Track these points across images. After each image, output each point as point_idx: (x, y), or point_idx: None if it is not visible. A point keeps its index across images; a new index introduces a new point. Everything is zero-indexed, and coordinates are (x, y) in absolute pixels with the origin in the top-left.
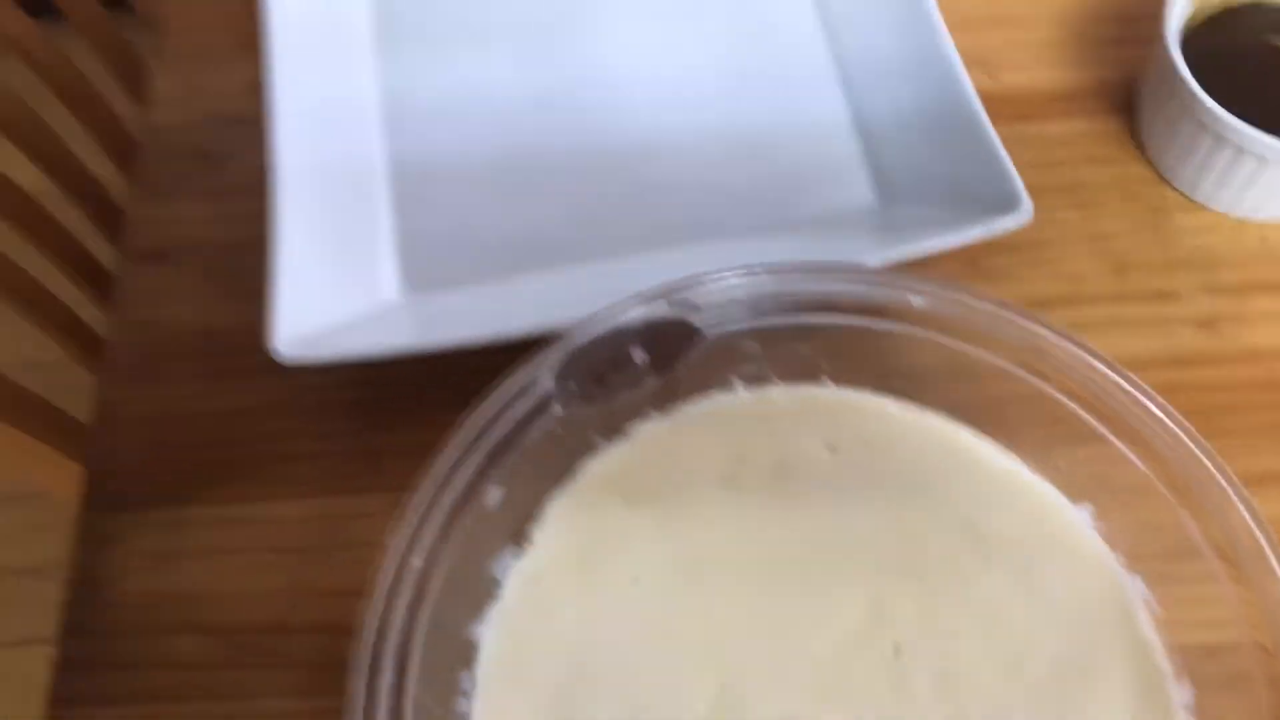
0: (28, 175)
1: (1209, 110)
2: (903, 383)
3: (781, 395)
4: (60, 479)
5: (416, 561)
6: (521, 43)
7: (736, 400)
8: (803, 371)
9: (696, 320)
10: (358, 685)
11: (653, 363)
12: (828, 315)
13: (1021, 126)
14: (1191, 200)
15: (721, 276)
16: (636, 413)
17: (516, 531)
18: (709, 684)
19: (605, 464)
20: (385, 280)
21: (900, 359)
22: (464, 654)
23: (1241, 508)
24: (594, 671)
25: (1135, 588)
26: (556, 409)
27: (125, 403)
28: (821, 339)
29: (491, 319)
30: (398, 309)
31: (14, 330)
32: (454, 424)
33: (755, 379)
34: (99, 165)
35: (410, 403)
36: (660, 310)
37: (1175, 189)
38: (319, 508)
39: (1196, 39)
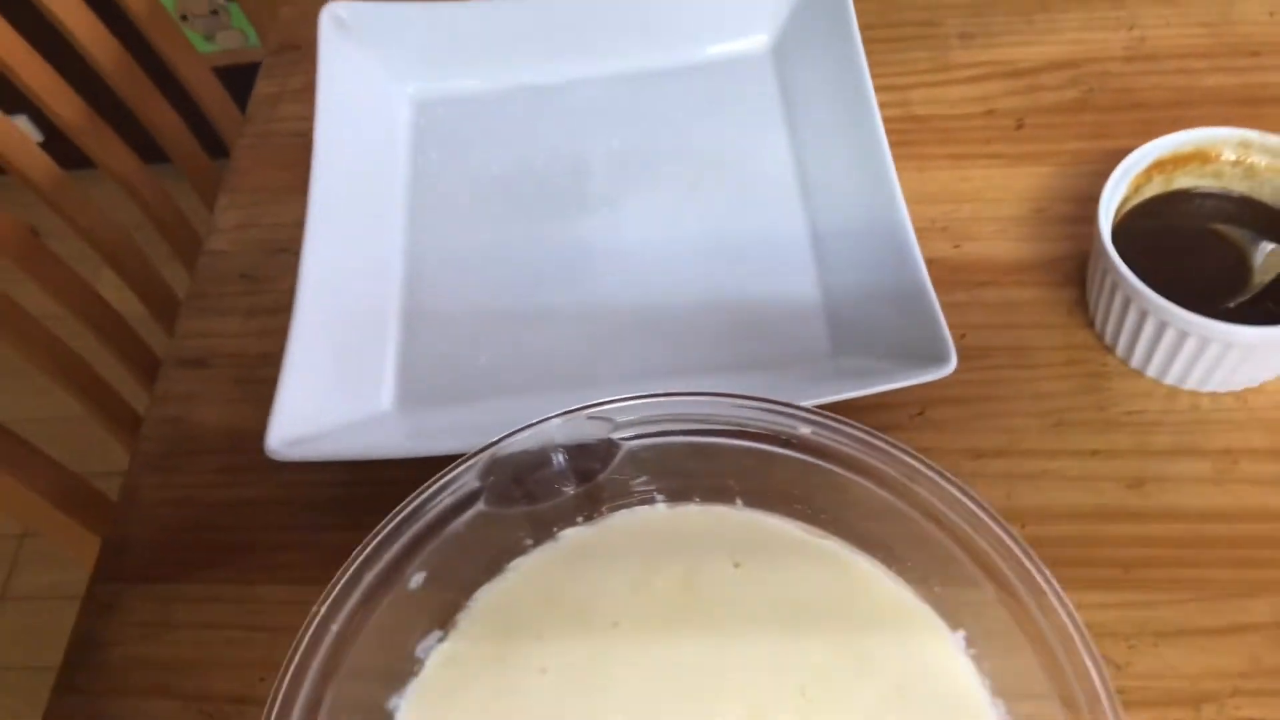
0: (115, 292)
1: (1134, 287)
2: (804, 508)
3: (696, 512)
4: (87, 552)
5: (334, 627)
6: (533, 208)
7: (655, 514)
8: (718, 492)
9: (616, 436)
10: None
11: (576, 473)
12: (742, 440)
13: (980, 291)
14: (1130, 367)
15: (638, 397)
16: (565, 520)
17: (444, 618)
18: None
19: (532, 563)
20: (381, 395)
21: (804, 487)
22: None
23: (1087, 658)
24: None
25: (998, 715)
26: (481, 505)
27: (146, 488)
28: (735, 464)
29: (462, 432)
30: (388, 421)
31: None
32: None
33: (675, 495)
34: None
35: (394, 503)
36: (580, 423)
37: (1116, 356)
38: (298, 593)
39: (1134, 220)
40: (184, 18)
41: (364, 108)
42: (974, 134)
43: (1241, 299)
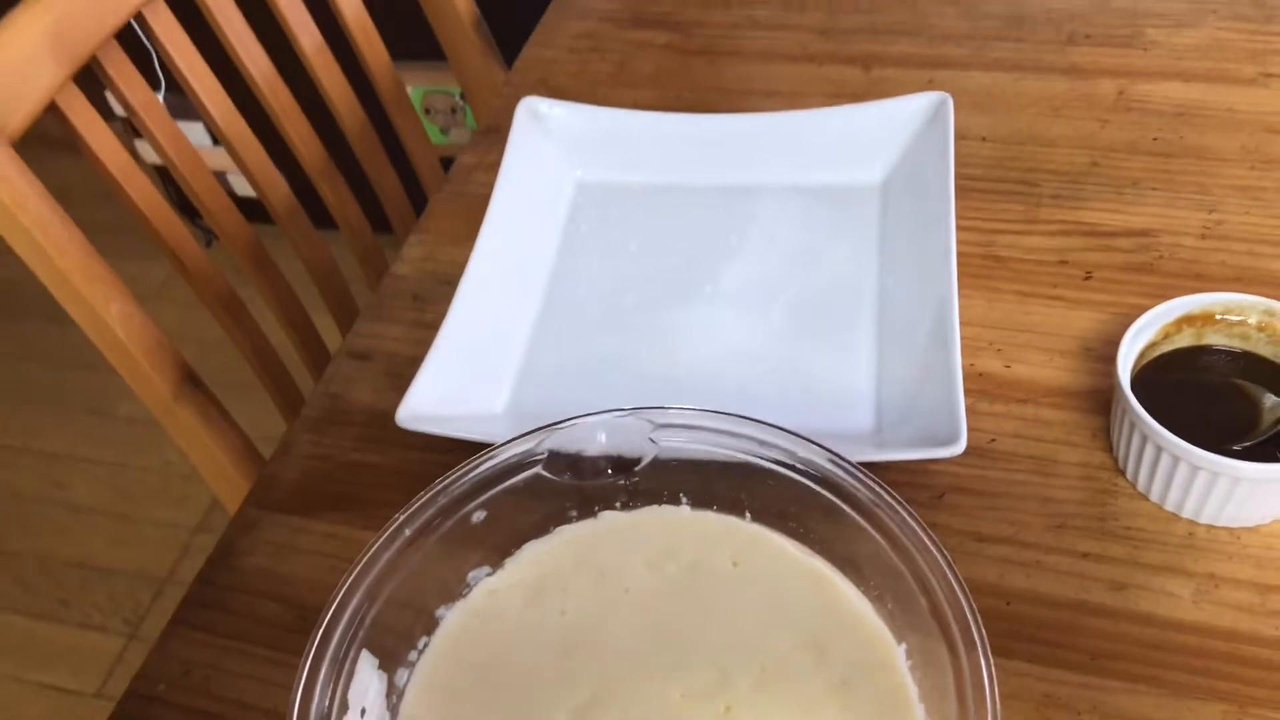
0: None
1: (1144, 420)
2: (799, 527)
3: (713, 518)
4: (232, 494)
5: (407, 532)
6: (653, 281)
7: (679, 513)
8: (732, 504)
9: (655, 437)
10: (322, 618)
11: (619, 464)
12: (760, 461)
13: (1018, 407)
14: (1139, 492)
15: (678, 408)
16: (606, 502)
17: (495, 558)
18: (583, 692)
19: (573, 532)
20: (496, 402)
21: (803, 511)
22: (427, 625)
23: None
24: (507, 670)
25: (921, 716)
26: (540, 469)
27: (300, 443)
28: (747, 482)
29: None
30: (496, 421)
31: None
32: None
33: (697, 500)
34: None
35: None
36: (627, 421)
37: (1128, 480)
38: None
39: (1162, 364)
40: (427, 111)
41: (536, 181)
42: (1045, 278)
43: (1247, 443)
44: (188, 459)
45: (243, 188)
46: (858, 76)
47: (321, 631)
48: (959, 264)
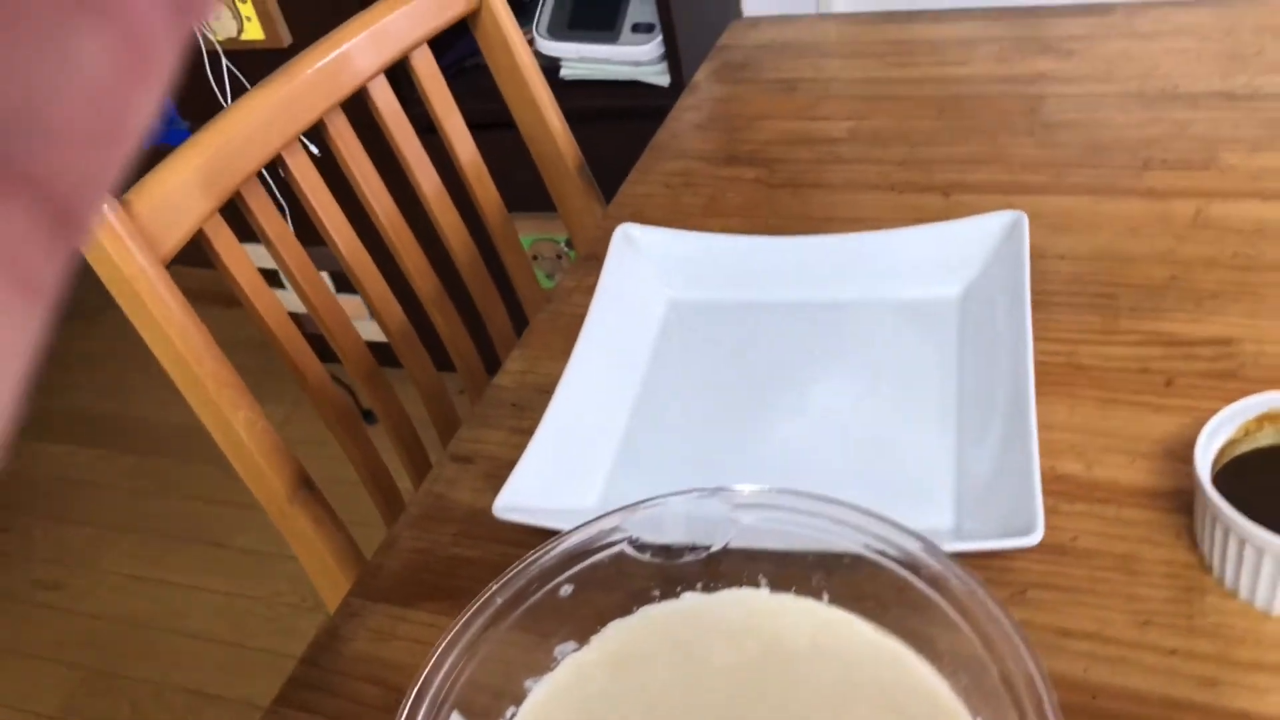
0: (426, 431)
1: (1228, 515)
2: (875, 605)
3: (790, 599)
4: (336, 595)
5: (499, 600)
6: (739, 391)
7: (758, 596)
8: (808, 587)
9: (734, 515)
10: (416, 678)
11: (699, 544)
12: (837, 542)
13: (1100, 507)
14: (1227, 590)
15: (756, 488)
16: (687, 583)
17: (582, 634)
18: None
19: (656, 611)
20: (587, 498)
21: (879, 591)
22: (516, 696)
23: None
24: None
25: None
26: (625, 547)
27: (403, 537)
28: (825, 565)
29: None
30: (587, 516)
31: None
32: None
33: (776, 583)
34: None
35: None
36: (708, 500)
37: (1215, 578)
38: None
39: (1245, 460)
40: (534, 258)
41: (629, 299)
42: (1125, 384)
43: None
44: (296, 590)
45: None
46: (938, 203)
47: (415, 691)
48: (1040, 372)
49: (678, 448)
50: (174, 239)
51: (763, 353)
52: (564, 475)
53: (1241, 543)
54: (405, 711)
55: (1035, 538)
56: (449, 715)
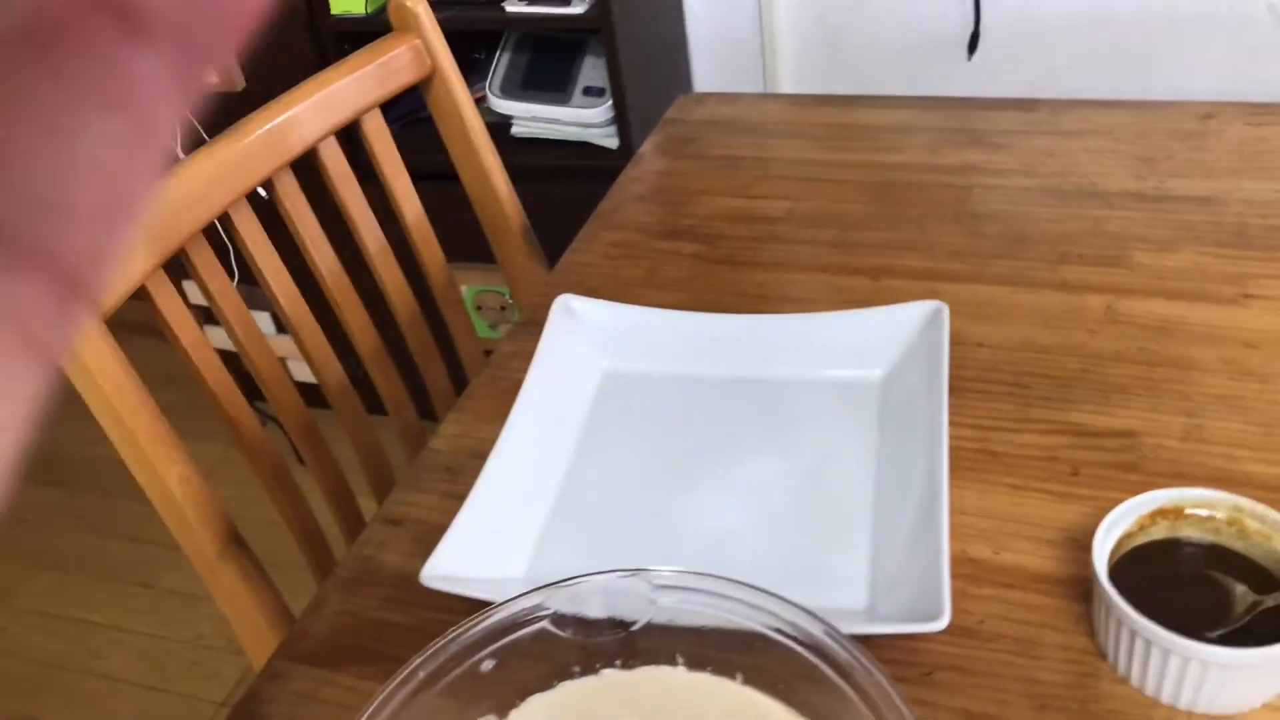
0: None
1: (1121, 608)
2: (785, 688)
3: (706, 679)
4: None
5: (420, 674)
6: (668, 459)
7: (675, 674)
8: (724, 667)
9: (654, 597)
10: None
11: (618, 622)
12: (752, 626)
13: (1006, 591)
14: (1120, 677)
15: (677, 571)
16: (606, 660)
17: (502, 708)
18: None
19: (575, 687)
20: (514, 568)
21: (791, 675)
22: None
23: None
24: None
25: None
26: (546, 624)
27: (330, 600)
28: (740, 645)
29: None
30: (514, 585)
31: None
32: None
33: (693, 662)
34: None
35: None
36: (629, 580)
37: (1109, 665)
38: None
39: (1139, 554)
40: (479, 308)
41: (566, 369)
42: (1035, 472)
43: (1222, 631)
44: (220, 632)
45: (301, 374)
46: (866, 286)
47: None
48: (955, 457)
49: (606, 520)
50: (115, 295)
51: (692, 427)
52: (492, 545)
53: (1133, 634)
54: None
55: (941, 623)
56: None
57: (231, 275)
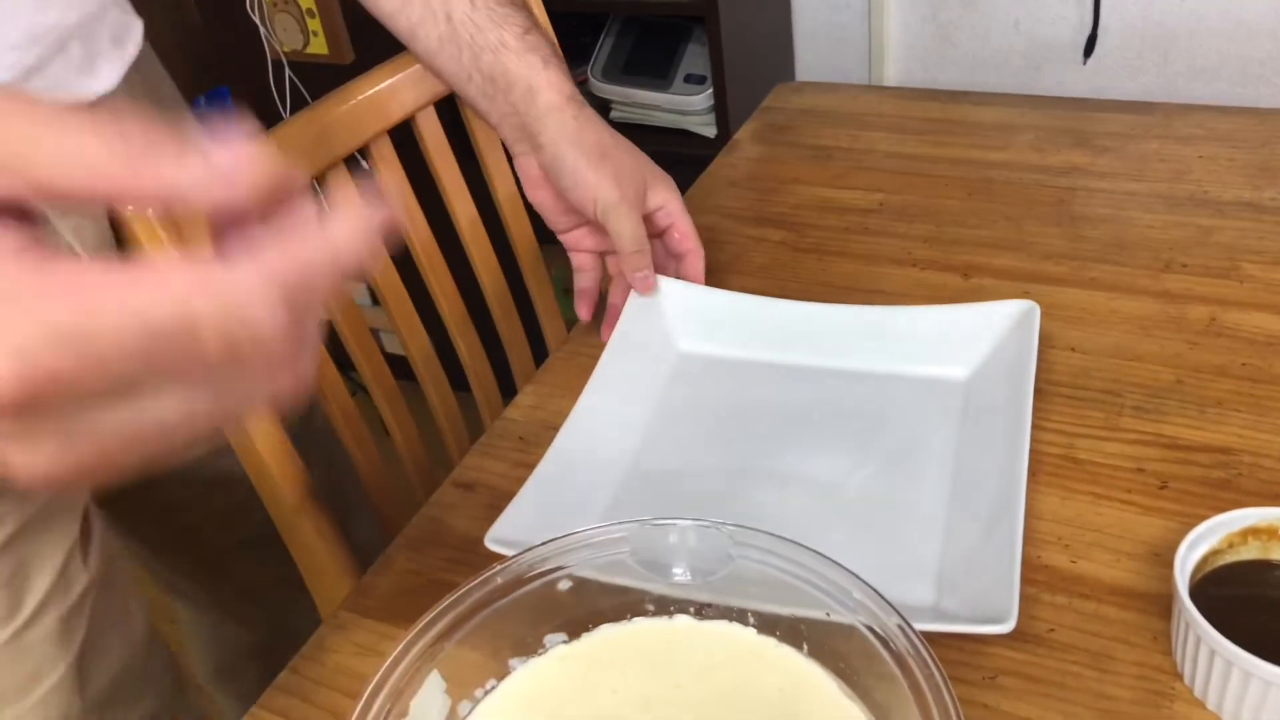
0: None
1: (1201, 626)
2: (846, 668)
3: (771, 644)
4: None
5: (499, 580)
6: (738, 444)
7: (744, 634)
8: (793, 635)
9: (733, 551)
10: (411, 630)
11: (697, 570)
12: (820, 599)
13: (1080, 602)
14: (1195, 698)
15: (758, 530)
16: (681, 608)
17: (573, 629)
18: None
19: (646, 625)
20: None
21: (852, 654)
22: (499, 671)
23: None
24: None
25: None
26: (625, 556)
27: (397, 558)
28: (810, 617)
29: None
30: None
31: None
32: None
33: (763, 625)
34: None
35: None
36: (708, 531)
37: (1186, 685)
38: None
39: (1224, 574)
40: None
41: (643, 347)
42: (1120, 483)
43: None
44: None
45: (391, 346)
46: (956, 283)
47: (405, 642)
48: (1036, 461)
49: (672, 497)
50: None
51: (766, 412)
52: (557, 515)
53: (1212, 654)
54: (395, 653)
55: (1008, 626)
56: (429, 673)
57: None
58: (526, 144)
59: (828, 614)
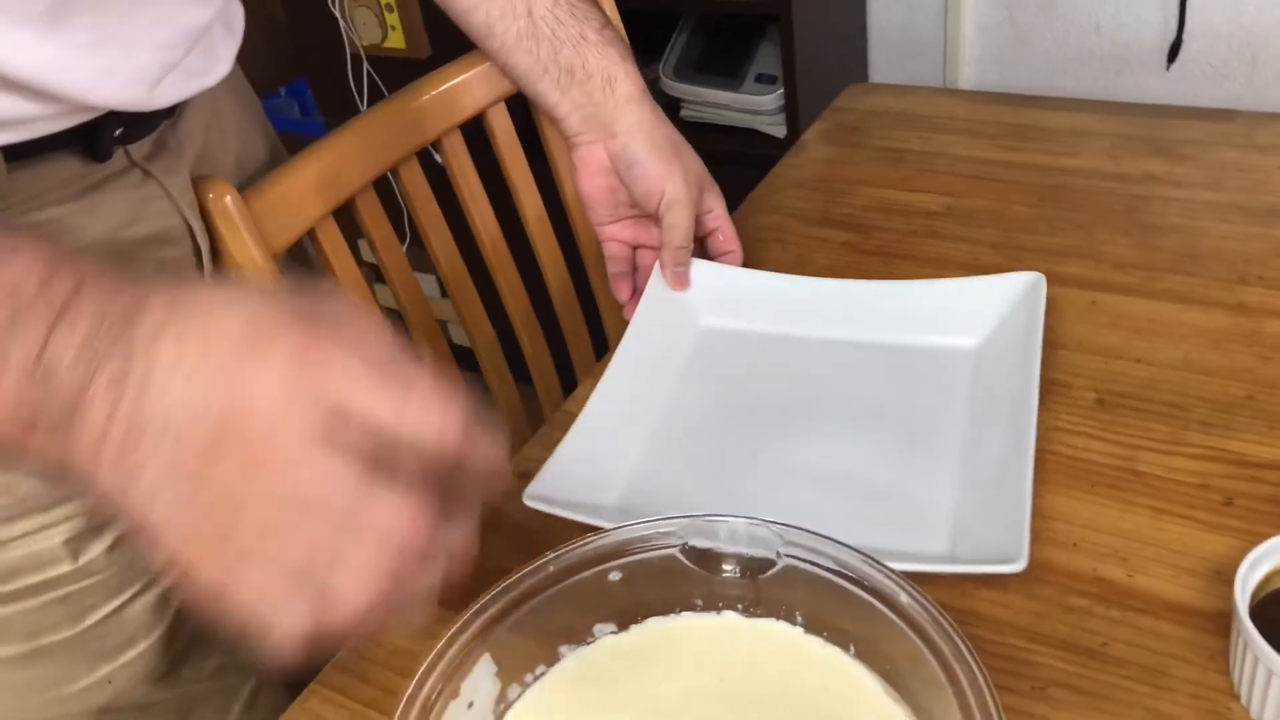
0: None
1: (1259, 646)
2: (892, 670)
3: (817, 644)
4: None
5: (552, 569)
6: (758, 412)
7: (791, 632)
8: (839, 635)
9: (781, 550)
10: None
11: (747, 567)
12: (870, 598)
13: (1136, 616)
14: (1253, 719)
15: (807, 530)
16: (729, 603)
17: (622, 620)
18: None
19: (694, 621)
20: (609, 498)
21: (898, 654)
22: (549, 658)
23: None
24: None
25: None
26: (675, 551)
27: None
28: (857, 616)
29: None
30: (607, 514)
31: None
32: None
33: (810, 624)
34: None
35: None
36: (759, 530)
37: (1243, 706)
38: None
39: (1275, 596)
40: None
41: (666, 325)
42: (1183, 498)
43: None
44: None
45: (458, 337)
46: None
47: (458, 626)
48: (1094, 473)
49: (697, 460)
50: (286, 237)
51: (784, 382)
52: (590, 475)
53: (1270, 675)
54: (448, 635)
55: (1019, 565)
56: (481, 656)
57: (403, 238)
58: (598, 133)
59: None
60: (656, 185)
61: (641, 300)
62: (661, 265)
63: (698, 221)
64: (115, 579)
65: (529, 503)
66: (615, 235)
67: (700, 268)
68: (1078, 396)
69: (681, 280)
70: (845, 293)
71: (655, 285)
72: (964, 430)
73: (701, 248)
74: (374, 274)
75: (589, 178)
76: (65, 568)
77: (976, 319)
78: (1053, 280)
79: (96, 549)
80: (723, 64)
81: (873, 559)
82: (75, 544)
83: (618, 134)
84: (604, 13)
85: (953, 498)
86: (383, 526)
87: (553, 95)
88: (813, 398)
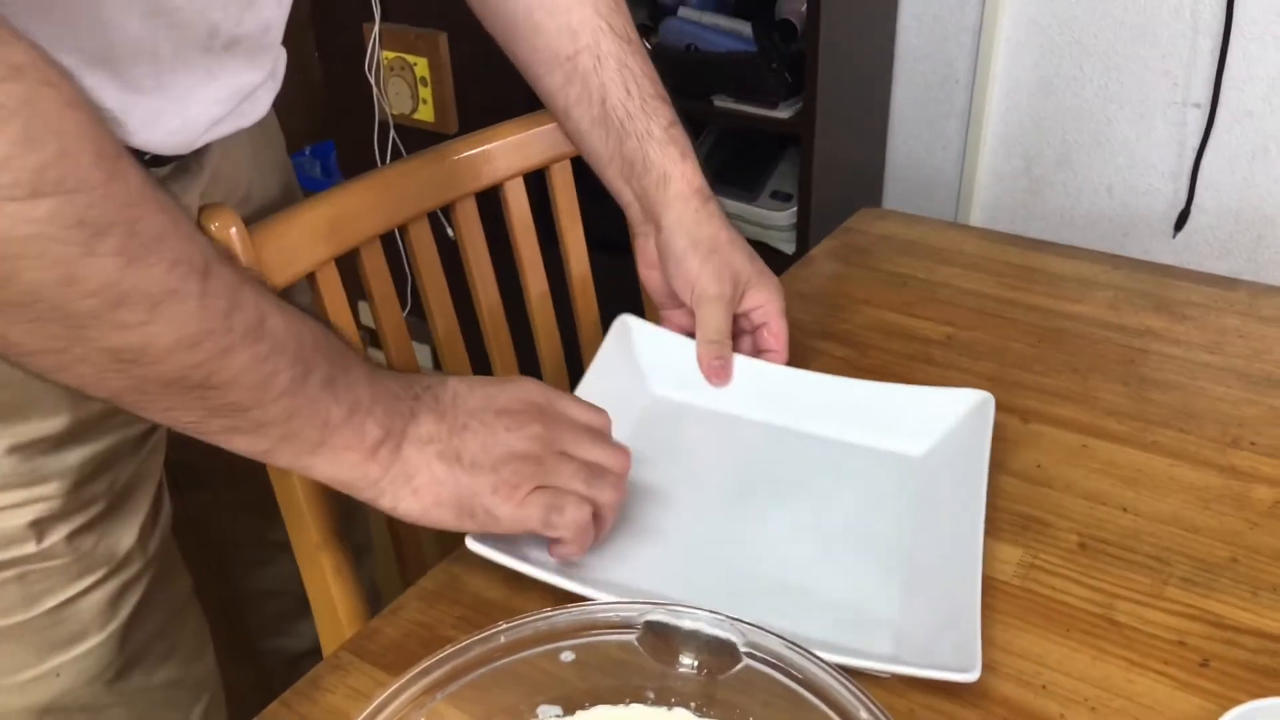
0: None
1: None
2: None
3: None
4: (333, 642)
5: (502, 640)
6: (704, 494)
7: None
8: None
9: (743, 649)
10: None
11: (704, 664)
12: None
13: None
14: None
15: (775, 634)
16: (682, 700)
17: (568, 703)
18: None
19: (644, 712)
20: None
21: None
22: None
23: None
24: None
25: None
26: (633, 638)
27: (407, 609)
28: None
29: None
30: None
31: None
32: None
33: None
34: None
35: None
36: (724, 624)
37: None
38: None
39: None
40: None
41: (615, 389)
42: (1158, 653)
43: None
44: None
45: None
46: (1014, 424)
47: (394, 688)
48: (1071, 618)
49: (632, 530)
50: (288, 274)
51: (731, 463)
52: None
53: None
54: (381, 698)
55: (973, 675)
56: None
57: (404, 305)
58: (650, 225)
59: None
60: (687, 281)
61: (594, 359)
62: (698, 359)
63: (745, 316)
64: (75, 566)
65: (472, 547)
66: (673, 321)
67: (654, 334)
68: (1060, 537)
69: (717, 374)
70: (792, 381)
71: (609, 344)
72: (911, 538)
73: (753, 346)
74: (370, 338)
75: (644, 268)
76: (28, 549)
77: (922, 428)
78: (1044, 419)
79: (59, 534)
80: (741, 177)
81: (837, 672)
82: (40, 526)
83: (662, 229)
84: (673, 111)
85: (899, 603)
86: (619, 467)
87: (617, 183)
88: (757, 482)
